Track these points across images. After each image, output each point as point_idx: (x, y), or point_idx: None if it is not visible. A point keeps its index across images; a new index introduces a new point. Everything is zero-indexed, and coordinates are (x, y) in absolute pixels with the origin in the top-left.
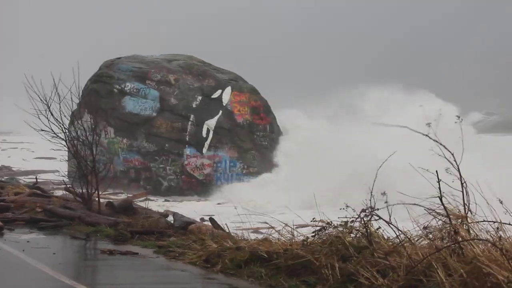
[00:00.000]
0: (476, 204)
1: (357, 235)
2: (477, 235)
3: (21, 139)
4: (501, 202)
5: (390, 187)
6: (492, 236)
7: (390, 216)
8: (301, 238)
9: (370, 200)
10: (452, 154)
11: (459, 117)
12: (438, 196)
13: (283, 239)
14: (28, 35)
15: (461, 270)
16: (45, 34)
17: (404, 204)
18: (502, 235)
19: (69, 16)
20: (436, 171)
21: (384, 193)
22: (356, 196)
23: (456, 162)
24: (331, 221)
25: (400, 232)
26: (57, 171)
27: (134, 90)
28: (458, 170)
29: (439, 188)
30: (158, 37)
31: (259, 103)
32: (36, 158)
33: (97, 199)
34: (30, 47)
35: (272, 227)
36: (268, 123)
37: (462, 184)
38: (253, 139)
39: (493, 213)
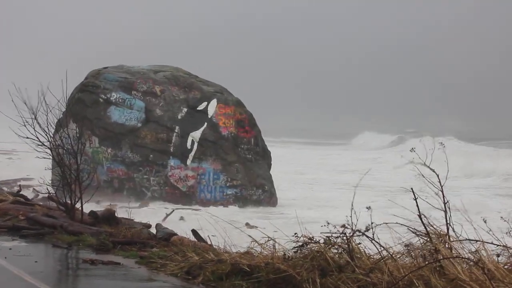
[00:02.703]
0: (460, 224)
1: (339, 251)
2: (459, 253)
3: (4, 147)
4: (484, 221)
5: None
6: (474, 255)
7: (373, 233)
8: (283, 252)
9: (351, 217)
10: (437, 175)
11: (442, 143)
12: (418, 215)
13: (265, 252)
14: (16, 43)
15: None
16: (32, 43)
17: (387, 224)
18: (484, 254)
19: (57, 26)
20: (412, 189)
21: (369, 208)
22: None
23: (440, 183)
24: (313, 236)
25: (382, 248)
26: (41, 179)
27: (120, 100)
28: (441, 190)
29: (417, 206)
30: (146, 48)
31: (244, 116)
32: (19, 166)
33: (80, 208)
34: (17, 55)
35: (255, 241)
36: (252, 137)
37: (444, 203)
38: (237, 152)
39: (476, 232)
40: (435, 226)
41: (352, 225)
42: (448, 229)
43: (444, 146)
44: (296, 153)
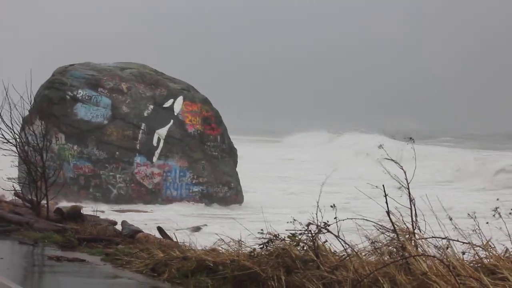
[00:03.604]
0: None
1: (305, 248)
2: (425, 251)
3: None
4: (450, 219)
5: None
6: (440, 252)
7: (338, 230)
8: (249, 249)
9: (317, 214)
10: (405, 172)
11: (411, 138)
12: (386, 212)
13: (231, 250)
14: None
15: (408, 286)
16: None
17: (353, 219)
18: (450, 251)
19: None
20: (383, 186)
21: (333, 206)
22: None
23: (407, 180)
24: (278, 234)
25: (347, 246)
26: (6, 176)
27: (86, 97)
28: (408, 188)
29: (386, 203)
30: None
31: (211, 114)
32: None
33: (46, 205)
34: None
35: (222, 239)
36: (219, 134)
37: (410, 200)
38: (203, 149)
39: (443, 230)
40: (402, 224)
41: (317, 222)
42: (414, 226)
43: (413, 142)
44: (256, 151)
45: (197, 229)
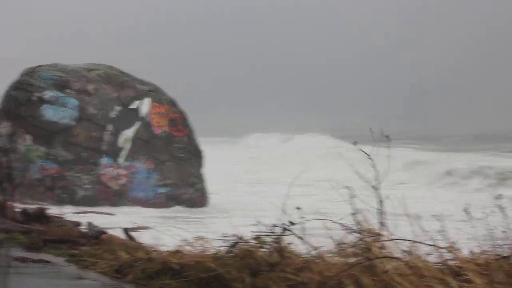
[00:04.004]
0: (394, 223)
1: (270, 250)
2: (390, 252)
3: None
4: (418, 219)
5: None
6: (405, 254)
7: (303, 232)
8: (214, 251)
9: (282, 215)
10: (377, 172)
11: (387, 136)
12: (352, 213)
13: (195, 251)
14: None
15: (373, 287)
16: None
17: (319, 219)
18: (416, 253)
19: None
20: (350, 187)
21: (298, 208)
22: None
23: (377, 180)
24: (243, 236)
25: (313, 247)
26: None
27: (54, 99)
28: (377, 188)
29: (353, 204)
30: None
31: (178, 115)
32: None
33: (12, 206)
34: None
35: (185, 239)
36: (186, 136)
37: (379, 201)
38: (170, 151)
39: (411, 231)
40: (368, 225)
41: (283, 224)
42: (381, 228)
43: (390, 140)
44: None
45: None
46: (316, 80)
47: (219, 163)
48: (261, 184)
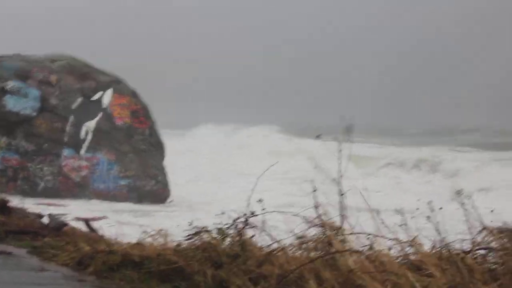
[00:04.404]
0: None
1: (231, 242)
2: (351, 246)
3: None
4: (377, 214)
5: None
6: (367, 248)
7: (265, 225)
8: (175, 243)
9: (246, 207)
10: (338, 165)
11: (319, 136)
12: (314, 206)
13: (156, 244)
14: None
15: (334, 281)
16: None
17: (280, 212)
18: (376, 247)
19: None
20: (312, 180)
21: (261, 200)
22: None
23: (338, 174)
24: (204, 227)
25: (274, 240)
26: None
27: (15, 89)
28: (338, 182)
29: (315, 197)
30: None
31: (140, 107)
32: None
33: None
34: None
35: (146, 232)
36: (147, 127)
37: (340, 195)
38: (131, 143)
39: (372, 225)
40: (329, 219)
41: (245, 216)
42: (342, 221)
43: (321, 138)
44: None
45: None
46: (277, 74)
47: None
48: (218, 176)
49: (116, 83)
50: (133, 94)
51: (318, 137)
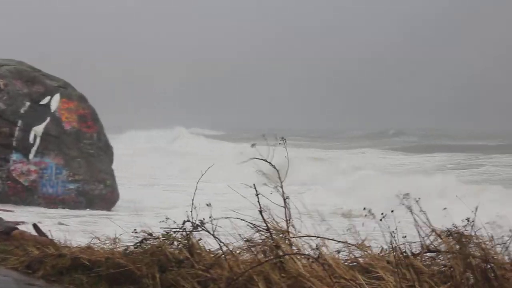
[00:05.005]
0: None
1: (179, 246)
2: (299, 249)
3: None
4: (322, 217)
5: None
6: (315, 251)
7: (213, 229)
8: (124, 247)
9: (192, 212)
10: (278, 171)
11: (283, 138)
12: (259, 211)
13: (105, 247)
14: None
15: (283, 284)
16: None
17: (228, 218)
18: (324, 250)
19: None
20: (254, 185)
21: (209, 204)
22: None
23: (280, 179)
24: (152, 232)
25: (222, 244)
26: None
27: None
28: (281, 186)
29: (259, 202)
30: None
31: (87, 111)
32: None
33: None
34: None
35: (96, 238)
36: (95, 132)
37: (284, 199)
38: (80, 147)
39: (316, 229)
40: (275, 223)
41: (192, 220)
42: (288, 225)
43: (285, 141)
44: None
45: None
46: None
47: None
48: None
49: (63, 88)
50: (81, 99)
51: (253, 145)
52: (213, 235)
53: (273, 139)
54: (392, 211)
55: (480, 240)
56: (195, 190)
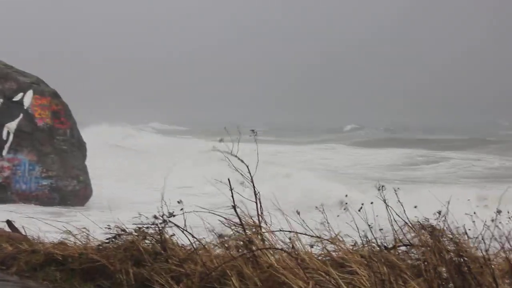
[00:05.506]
0: (273, 215)
1: (152, 241)
2: (272, 244)
3: None
4: (298, 213)
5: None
6: (288, 245)
7: (185, 224)
8: (97, 243)
9: (162, 207)
10: (247, 166)
11: (253, 130)
12: (232, 206)
13: (79, 243)
14: None
15: (256, 279)
16: None
17: (198, 212)
18: (297, 245)
19: None
20: (229, 179)
21: (180, 201)
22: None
23: (250, 173)
24: (125, 228)
25: (195, 239)
26: None
27: None
28: (252, 181)
29: (232, 197)
30: None
31: (60, 107)
32: None
33: None
34: None
35: (70, 233)
36: (68, 128)
37: (255, 194)
38: (53, 143)
39: (289, 224)
40: (248, 217)
41: (164, 216)
42: (260, 220)
43: (256, 134)
44: None
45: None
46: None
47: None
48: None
49: (36, 84)
50: (54, 95)
51: (221, 140)
52: (184, 229)
53: (238, 134)
54: (371, 202)
55: (453, 234)
56: (164, 186)
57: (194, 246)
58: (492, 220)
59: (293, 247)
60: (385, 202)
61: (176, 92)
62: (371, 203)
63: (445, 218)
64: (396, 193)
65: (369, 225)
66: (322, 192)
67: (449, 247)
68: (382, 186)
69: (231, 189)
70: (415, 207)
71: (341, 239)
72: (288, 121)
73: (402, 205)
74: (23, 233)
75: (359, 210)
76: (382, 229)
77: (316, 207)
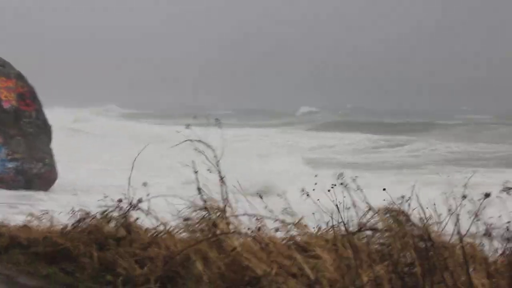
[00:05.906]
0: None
1: (117, 225)
2: (237, 228)
3: None
4: (261, 197)
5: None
6: (252, 230)
7: (148, 207)
8: (61, 226)
9: (129, 190)
10: (213, 150)
11: (217, 119)
12: (197, 188)
13: (43, 227)
14: None
15: (220, 262)
16: None
17: (164, 196)
18: (262, 229)
19: None
20: (193, 162)
21: (145, 184)
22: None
23: (216, 157)
24: (89, 212)
25: (160, 223)
26: None
27: None
28: (217, 165)
29: (197, 179)
30: None
31: (26, 90)
32: None
33: None
34: None
35: (33, 215)
36: (34, 110)
37: (221, 178)
38: (19, 126)
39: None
40: (213, 201)
41: (129, 199)
42: (225, 204)
43: (219, 122)
44: None
45: None
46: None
47: None
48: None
49: (1, 66)
50: (19, 77)
51: (187, 126)
52: (149, 213)
53: (204, 119)
54: (333, 185)
55: (419, 219)
56: (132, 169)
57: (159, 230)
58: (457, 206)
59: (258, 230)
60: (345, 186)
61: (136, 72)
62: (333, 186)
63: (409, 203)
64: (354, 180)
65: (336, 207)
66: (289, 176)
67: (414, 232)
68: (341, 173)
69: (195, 172)
70: (384, 189)
71: (304, 223)
72: (250, 107)
73: (362, 190)
74: None
75: (328, 190)
76: (346, 213)
77: (277, 194)
